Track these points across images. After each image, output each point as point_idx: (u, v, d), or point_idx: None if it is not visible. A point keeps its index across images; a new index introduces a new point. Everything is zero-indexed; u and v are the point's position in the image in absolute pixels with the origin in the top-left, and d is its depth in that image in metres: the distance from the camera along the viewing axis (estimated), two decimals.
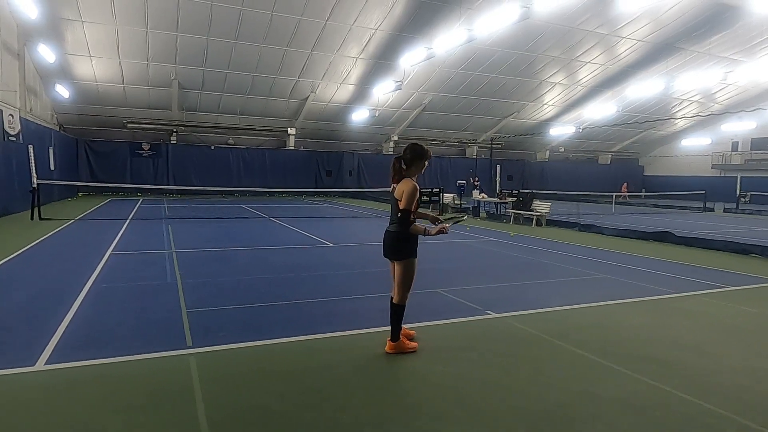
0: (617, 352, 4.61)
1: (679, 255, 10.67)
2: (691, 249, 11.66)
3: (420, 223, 4.41)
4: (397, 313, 4.46)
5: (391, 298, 4.53)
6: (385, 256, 4.53)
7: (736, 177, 29.97)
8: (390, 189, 4.53)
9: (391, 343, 4.48)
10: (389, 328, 4.56)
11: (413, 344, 4.57)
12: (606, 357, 4.46)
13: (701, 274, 8.54)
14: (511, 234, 13.49)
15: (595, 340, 4.93)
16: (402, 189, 4.28)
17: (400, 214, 4.25)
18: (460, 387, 3.82)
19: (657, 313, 6.03)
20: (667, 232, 13.10)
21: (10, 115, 15.46)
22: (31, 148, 14.63)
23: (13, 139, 15.47)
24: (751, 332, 5.40)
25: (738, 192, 28.35)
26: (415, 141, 4.53)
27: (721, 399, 3.67)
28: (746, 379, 4.06)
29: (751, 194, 30.73)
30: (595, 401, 3.61)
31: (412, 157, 4.38)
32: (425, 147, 4.45)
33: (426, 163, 4.43)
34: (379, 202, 24.88)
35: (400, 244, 4.37)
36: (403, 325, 4.65)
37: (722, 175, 38.40)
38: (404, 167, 4.40)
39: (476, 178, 25.45)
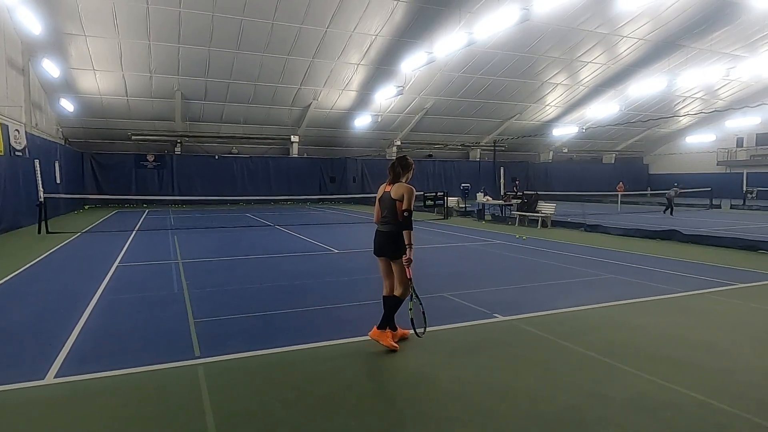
0: (627, 352, 4.58)
1: (686, 253, 10.61)
2: (699, 247, 11.59)
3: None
4: (394, 306, 4.72)
5: (385, 297, 4.85)
6: (381, 254, 4.81)
7: (742, 173, 29.82)
8: (379, 192, 4.89)
9: (376, 330, 4.70)
10: (399, 333, 4.63)
11: (394, 344, 4.68)
12: (615, 358, 4.43)
13: (710, 272, 8.48)
14: (524, 237, 13.40)
15: (603, 341, 4.90)
16: (402, 191, 4.66)
17: (406, 213, 4.62)
18: (469, 391, 3.80)
19: (666, 313, 5.99)
20: (674, 230, 13.02)
21: (16, 130, 15.59)
22: (37, 162, 14.74)
23: (19, 154, 15.60)
24: (762, 329, 5.35)
25: (744, 188, 28.18)
26: (404, 155, 5.05)
27: (734, 398, 3.63)
28: (759, 377, 4.02)
29: (757, 190, 30.55)
30: (605, 403, 3.58)
31: (406, 165, 4.86)
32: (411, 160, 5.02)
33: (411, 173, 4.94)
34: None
35: (397, 242, 4.68)
36: (400, 328, 4.91)
37: (728, 171, 38.17)
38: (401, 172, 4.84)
39: (516, 180, 25.43)
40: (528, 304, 6.33)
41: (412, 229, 4.64)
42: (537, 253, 10.81)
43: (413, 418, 3.39)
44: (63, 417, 3.42)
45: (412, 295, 4.78)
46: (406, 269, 4.71)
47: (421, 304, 4.78)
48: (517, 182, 25.07)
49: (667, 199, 21.20)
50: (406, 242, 4.63)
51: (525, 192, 19.89)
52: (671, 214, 20.86)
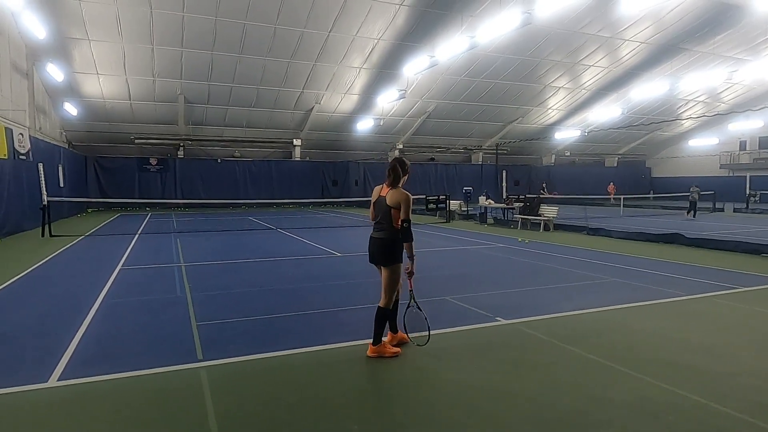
0: (629, 356, 4.57)
1: (689, 256, 10.59)
2: (702, 250, 11.56)
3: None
4: (382, 318, 4.58)
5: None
6: (374, 262, 4.70)
7: (745, 176, 29.74)
8: (374, 195, 4.75)
9: (372, 347, 4.58)
10: (399, 336, 4.62)
11: (395, 349, 4.65)
12: (618, 361, 4.43)
13: (713, 276, 8.47)
14: (526, 241, 13.39)
15: (606, 345, 4.89)
16: (398, 198, 4.49)
17: (405, 224, 4.43)
18: (472, 395, 3.80)
19: (669, 316, 5.98)
20: (676, 233, 13.01)
21: (20, 134, 15.67)
22: (41, 166, 14.81)
23: (23, 157, 15.67)
24: (765, 333, 5.33)
25: (747, 191, 28.09)
26: (401, 157, 4.88)
27: (736, 401, 3.62)
28: (761, 381, 4.01)
29: (760, 193, 30.43)
30: (607, 406, 3.58)
31: (406, 169, 4.72)
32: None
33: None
34: None
35: (391, 249, 4.55)
36: (401, 331, 4.89)
37: (731, 174, 38.07)
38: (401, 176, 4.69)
39: (544, 184, 26.84)
40: (530, 307, 6.32)
41: (412, 240, 4.48)
42: (539, 256, 10.80)
43: (415, 422, 3.39)
44: (66, 420, 3.43)
45: (409, 303, 4.72)
46: (409, 281, 4.62)
47: (422, 310, 4.69)
48: (544, 185, 25.88)
49: (690, 201, 21.51)
50: (408, 255, 4.50)
51: (527, 195, 19.88)
52: (694, 216, 21.33)
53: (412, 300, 4.70)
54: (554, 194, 28.58)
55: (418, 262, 4.79)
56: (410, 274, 4.55)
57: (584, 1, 19.98)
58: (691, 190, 21.61)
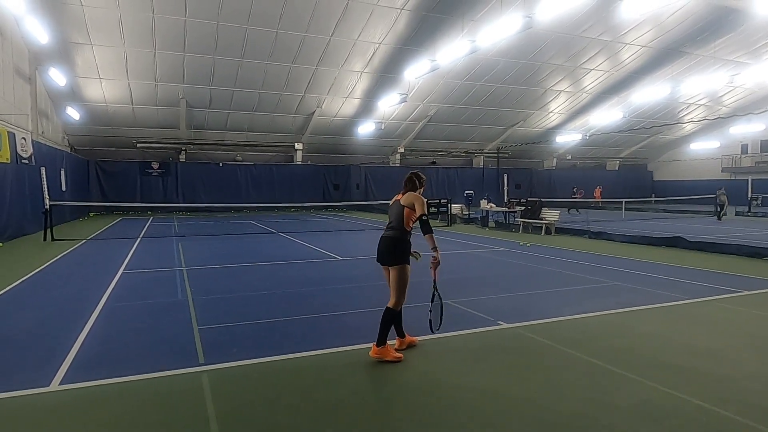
0: (631, 360, 4.57)
1: (691, 260, 10.57)
2: (704, 254, 11.54)
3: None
4: (389, 319, 4.63)
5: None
6: (381, 261, 4.81)
7: (747, 180, 29.70)
8: (391, 201, 5.01)
9: (376, 348, 4.60)
10: (407, 341, 4.69)
11: (398, 354, 4.66)
12: (620, 365, 4.42)
13: (714, 279, 8.45)
14: (528, 244, 13.39)
15: (608, 349, 4.88)
16: (412, 199, 4.75)
17: (423, 217, 4.66)
18: (473, 398, 3.80)
19: (671, 320, 5.97)
20: (678, 237, 12.98)
21: (23, 138, 15.72)
22: (43, 170, 14.85)
23: (26, 161, 15.72)
24: (767, 337, 5.32)
25: (749, 195, 28.04)
26: (417, 171, 5.12)
27: (739, 405, 3.61)
28: (763, 385, 4.00)
29: (762, 197, 30.36)
30: (609, 410, 3.57)
31: (420, 182, 5.01)
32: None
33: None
34: (386, 214, 24.64)
35: (397, 249, 4.68)
36: (408, 335, 4.94)
37: (733, 178, 38.02)
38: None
39: (574, 188, 28.21)
40: (532, 311, 6.31)
41: (432, 233, 4.67)
42: (541, 260, 10.79)
43: (416, 425, 3.39)
44: (67, 424, 3.43)
45: (434, 296, 4.84)
46: (433, 272, 4.76)
47: (441, 302, 4.87)
48: (575, 189, 26.62)
49: (719, 205, 21.78)
50: (431, 246, 4.65)
51: (528, 199, 19.88)
52: (719, 218, 21.68)
53: (436, 291, 4.84)
54: (581, 192, 29.43)
55: (419, 265, 4.90)
56: (436, 264, 4.70)
57: (585, 5, 20.00)
58: (717, 192, 21.70)
